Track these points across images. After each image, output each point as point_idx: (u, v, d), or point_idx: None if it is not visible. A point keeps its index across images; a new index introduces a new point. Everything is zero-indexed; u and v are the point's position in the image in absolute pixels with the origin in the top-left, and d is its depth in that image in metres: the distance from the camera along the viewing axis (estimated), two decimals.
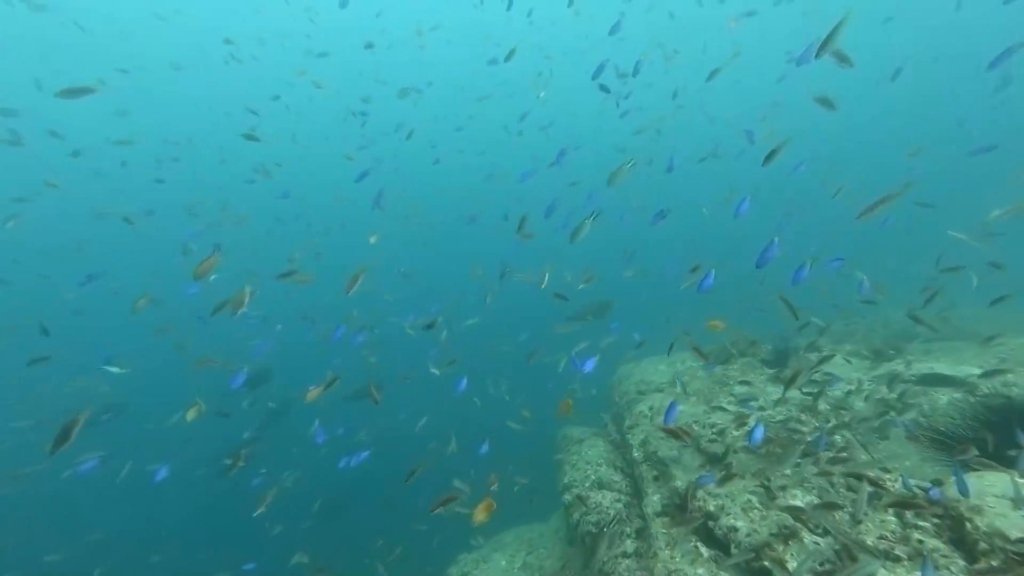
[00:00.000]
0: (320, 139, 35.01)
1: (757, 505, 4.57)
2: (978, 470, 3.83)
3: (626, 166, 5.00)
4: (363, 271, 4.42)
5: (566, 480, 7.09)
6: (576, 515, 6.39)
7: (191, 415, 5.11)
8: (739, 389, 6.92)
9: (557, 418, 8.87)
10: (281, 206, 30.41)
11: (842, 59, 4.38)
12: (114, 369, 6.48)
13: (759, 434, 4.89)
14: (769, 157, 4.70)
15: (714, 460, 5.49)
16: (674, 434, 4.59)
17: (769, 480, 4.84)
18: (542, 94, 13.27)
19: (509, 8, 12.48)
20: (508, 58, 9.30)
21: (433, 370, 8.56)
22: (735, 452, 5.33)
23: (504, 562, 7.59)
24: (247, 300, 4.06)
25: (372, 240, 7.61)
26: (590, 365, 5.19)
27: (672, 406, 4.87)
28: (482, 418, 12.29)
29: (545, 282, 5.77)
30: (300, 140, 33.35)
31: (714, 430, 5.83)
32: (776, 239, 4.27)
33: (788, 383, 4.83)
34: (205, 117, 33.57)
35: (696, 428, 6.08)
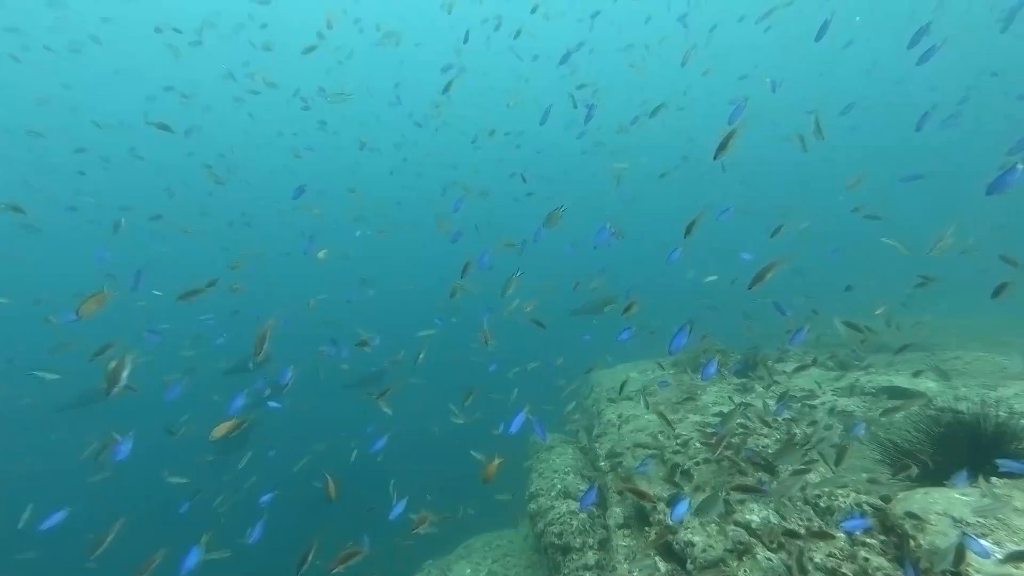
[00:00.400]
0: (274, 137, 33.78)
1: (715, 519, 4.58)
2: (923, 486, 3.89)
3: (559, 210, 5.03)
4: (269, 328, 4.13)
5: (532, 489, 7.04)
6: (540, 525, 6.35)
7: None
8: (706, 399, 6.97)
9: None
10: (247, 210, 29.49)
11: (817, 131, 4.53)
12: (48, 375, 6.19)
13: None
14: (721, 148, 4.52)
15: (676, 470, 5.50)
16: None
17: (728, 493, 4.86)
18: (510, 103, 13.11)
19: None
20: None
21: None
22: (697, 464, 5.35)
23: (469, 570, 7.52)
24: (122, 377, 3.43)
25: (320, 256, 7.47)
26: (516, 423, 5.08)
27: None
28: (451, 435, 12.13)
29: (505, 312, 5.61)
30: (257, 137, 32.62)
31: (679, 441, 5.85)
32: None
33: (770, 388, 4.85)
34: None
35: (661, 439, 6.10)
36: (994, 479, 3.75)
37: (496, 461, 4.14)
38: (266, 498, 5.92)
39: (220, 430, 3.86)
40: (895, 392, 6.03)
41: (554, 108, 10.04)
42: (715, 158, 4.50)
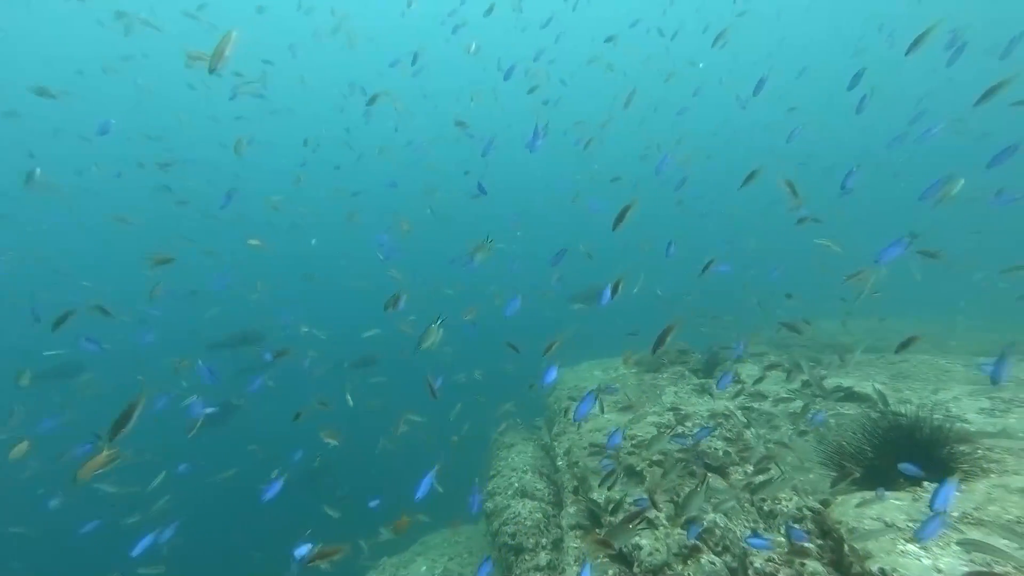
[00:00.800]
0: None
1: (664, 522, 4.60)
2: (863, 489, 3.99)
3: (487, 243, 4.97)
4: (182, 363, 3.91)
5: (490, 487, 7.00)
6: (496, 524, 6.31)
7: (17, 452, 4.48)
8: (665, 399, 7.02)
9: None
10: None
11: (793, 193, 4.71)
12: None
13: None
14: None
15: (631, 473, 5.51)
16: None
17: (679, 496, 4.89)
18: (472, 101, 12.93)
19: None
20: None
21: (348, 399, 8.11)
22: (650, 466, 5.38)
23: (424, 567, 7.45)
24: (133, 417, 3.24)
25: (252, 243, 7.19)
26: (425, 487, 4.98)
27: (586, 400, 4.75)
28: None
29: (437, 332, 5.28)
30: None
31: (634, 442, 5.87)
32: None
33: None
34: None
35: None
36: (925, 483, 3.87)
37: (405, 520, 4.16)
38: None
39: (87, 470, 3.58)
40: (845, 394, 6.19)
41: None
42: (613, 229, 4.86)
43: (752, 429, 5.89)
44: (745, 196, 8.07)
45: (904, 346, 4.87)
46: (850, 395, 6.28)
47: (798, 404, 6.27)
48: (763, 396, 6.74)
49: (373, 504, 6.80)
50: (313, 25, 28.79)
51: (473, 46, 11.31)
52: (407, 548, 8.58)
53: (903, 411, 5.40)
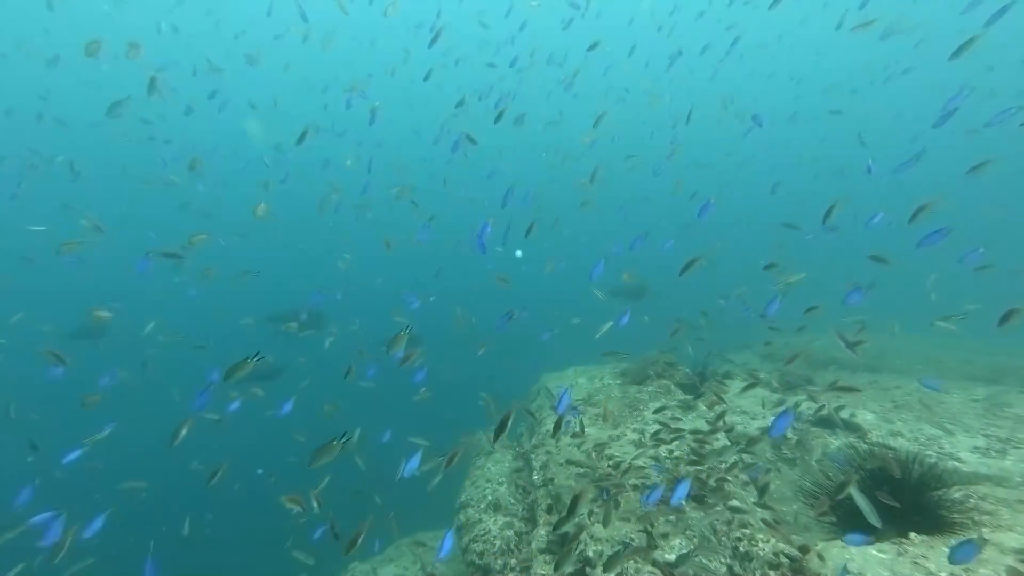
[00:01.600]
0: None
1: (634, 554, 4.36)
2: (843, 532, 3.74)
3: (404, 332, 4.72)
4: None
5: (463, 498, 6.78)
6: (466, 539, 6.09)
7: None
8: (647, 415, 6.78)
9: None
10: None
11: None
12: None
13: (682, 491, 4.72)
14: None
15: (606, 495, 5.28)
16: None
17: (652, 526, 4.66)
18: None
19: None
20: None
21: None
22: (626, 490, 5.13)
23: (394, 575, 7.25)
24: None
25: (194, 241, 6.95)
26: (412, 465, 4.78)
27: (564, 395, 4.50)
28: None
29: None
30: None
31: (611, 462, 5.63)
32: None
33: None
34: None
35: (594, 457, 5.87)
36: (912, 534, 3.62)
37: (364, 528, 3.97)
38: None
39: None
40: (832, 422, 5.93)
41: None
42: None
43: (735, 453, 5.64)
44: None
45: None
46: (838, 423, 6.03)
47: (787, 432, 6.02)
48: (749, 416, 6.49)
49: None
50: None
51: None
52: (381, 552, 8.40)
53: (893, 446, 5.15)
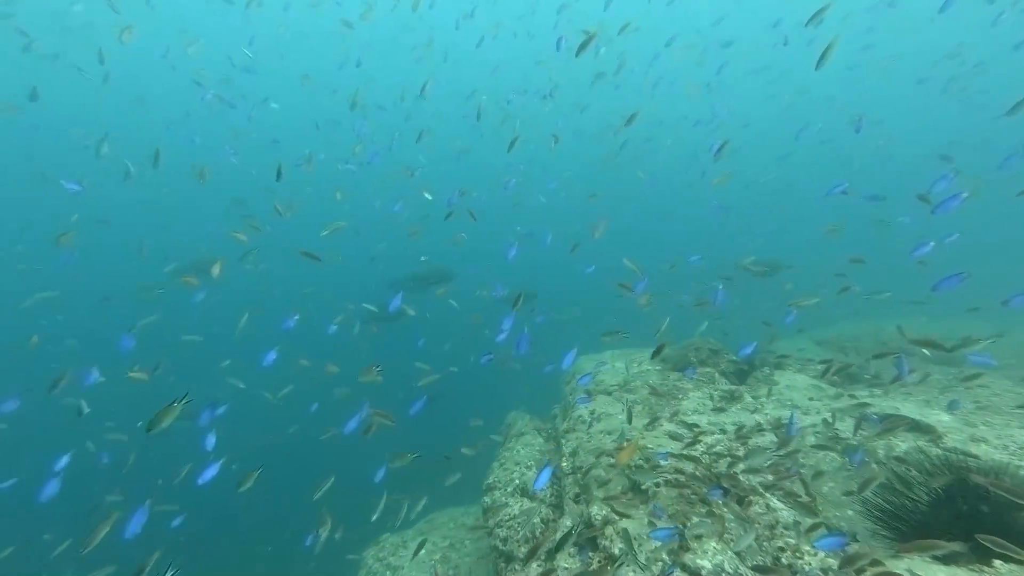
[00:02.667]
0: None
1: (664, 556, 4.05)
2: (907, 553, 3.26)
3: (374, 368, 4.45)
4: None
5: (490, 479, 6.64)
6: (491, 522, 5.96)
7: None
8: (686, 405, 6.33)
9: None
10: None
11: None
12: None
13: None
14: None
15: (636, 491, 4.96)
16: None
17: (685, 525, 4.31)
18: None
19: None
20: None
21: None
22: (658, 485, 4.79)
23: (423, 551, 7.28)
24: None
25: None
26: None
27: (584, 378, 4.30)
28: None
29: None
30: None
31: (643, 454, 5.28)
32: None
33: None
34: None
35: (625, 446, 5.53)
36: (997, 562, 3.09)
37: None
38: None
39: None
40: (899, 422, 5.28)
41: None
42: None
43: (782, 450, 5.14)
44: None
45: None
46: (908, 423, 5.36)
47: (841, 426, 5.43)
48: (801, 411, 5.91)
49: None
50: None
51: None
52: (412, 525, 8.48)
53: (975, 453, 4.50)
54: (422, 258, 15.11)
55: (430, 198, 10.74)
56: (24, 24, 19.17)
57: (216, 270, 7.38)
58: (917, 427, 5.14)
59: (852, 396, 6.15)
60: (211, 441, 4.93)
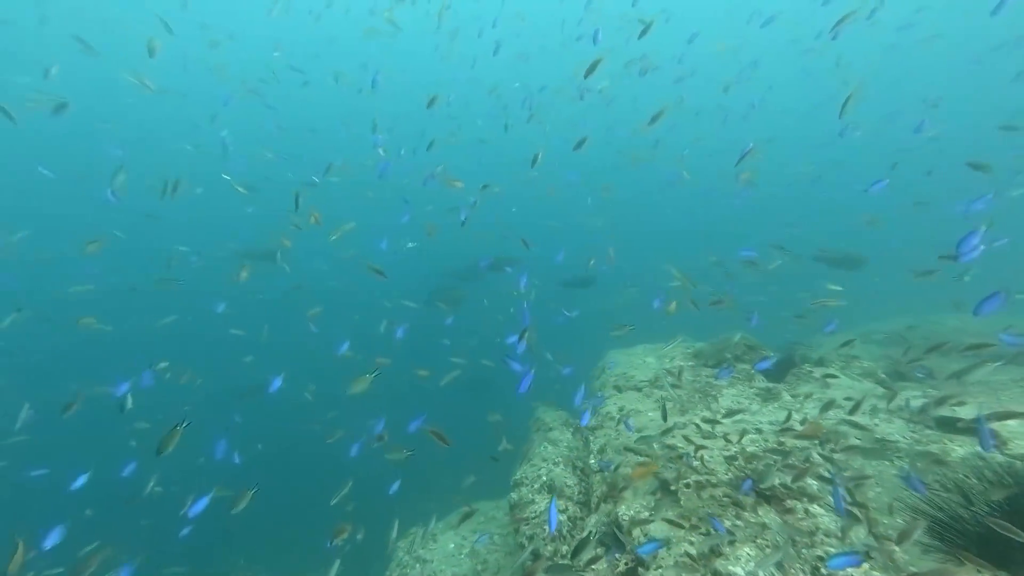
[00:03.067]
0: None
1: (694, 560, 3.89)
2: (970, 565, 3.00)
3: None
4: None
5: (517, 475, 6.60)
6: (517, 519, 5.92)
7: None
8: (721, 403, 6.09)
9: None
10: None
11: None
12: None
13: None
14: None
15: (664, 490, 4.80)
16: None
17: (716, 530, 4.13)
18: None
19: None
20: None
21: None
22: (687, 486, 4.61)
23: (452, 545, 7.33)
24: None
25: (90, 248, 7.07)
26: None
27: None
28: None
29: None
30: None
31: (673, 453, 5.10)
32: None
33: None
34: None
35: (655, 447, 5.37)
36: None
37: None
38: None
39: None
40: (954, 426, 4.91)
41: None
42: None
43: (824, 452, 4.87)
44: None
45: None
46: (962, 428, 4.98)
47: (888, 429, 5.09)
48: (844, 412, 5.58)
49: None
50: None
51: None
52: (442, 518, 8.56)
53: None
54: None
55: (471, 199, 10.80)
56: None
57: (278, 257, 7.66)
58: (976, 431, 4.75)
59: (905, 392, 5.76)
60: (222, 448, 5.18)
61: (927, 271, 5.83)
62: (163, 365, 4.56)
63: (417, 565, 6.86)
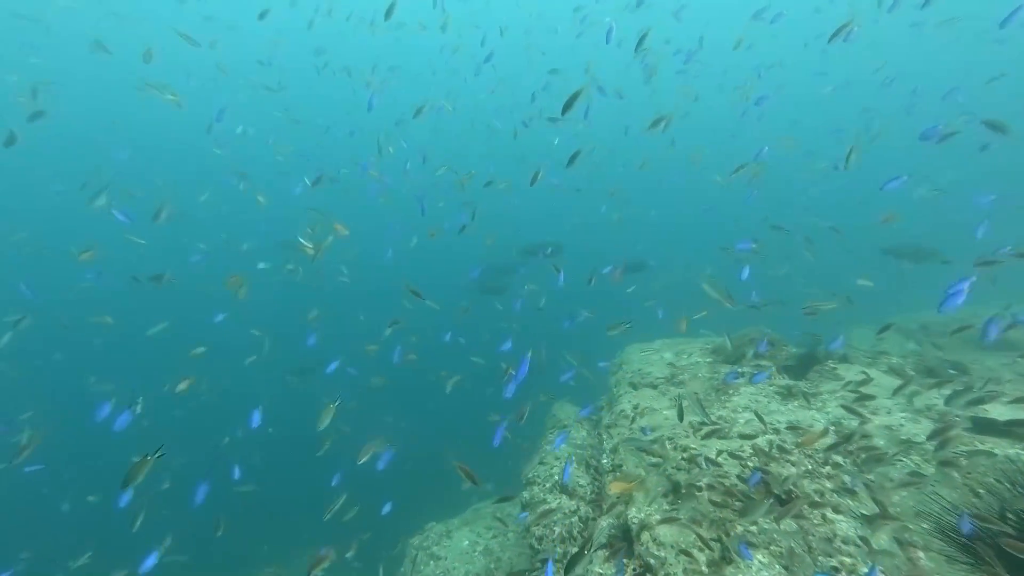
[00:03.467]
0: None
1: (703, 567, 3.78)
2: None
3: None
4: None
5: (530, 474, 6.56)
6: (529, 519, 5.89)
7: None
8: (737, 401, 5.90)
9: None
10: None
11: None
12: None
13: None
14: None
15: (677, 491, 4.68)
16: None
17: (728, 534, 4.00)
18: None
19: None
20: None
21: None
22: (699, 488, 4.48)
23: (467, 542, 7.35)
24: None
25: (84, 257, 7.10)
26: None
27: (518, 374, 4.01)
28: None
29: None
30: None
31: (686, 454, 4.97)
32: None
33: None
34: None
35: (668, 448, 5.24)
36: None
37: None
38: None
39: None
40: (988, 427, 4.63)
41: None
42: None
43: (840, 456, 4.66)
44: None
45: None
46: (997, 428, 4.69)
47: (914, 429, 4.84)
48: (868, 411, 5.33)
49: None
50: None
51: None
52: (457, 514, 8.61)
53: None
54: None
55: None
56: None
57: (320, 250, 7.82)
58: (1012, 433, 4.48)
59: (934, 389, 5.47)
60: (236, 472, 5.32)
61: (988, 260, 5.45)
62: (139, 409, 4.60)
63: (431, 562, 6.91)
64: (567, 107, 5.03)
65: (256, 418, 5.25)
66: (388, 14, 7.92)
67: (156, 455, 3.55)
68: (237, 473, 7.16)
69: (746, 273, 6.99)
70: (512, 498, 7.62)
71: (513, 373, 5.03)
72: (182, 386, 6.30)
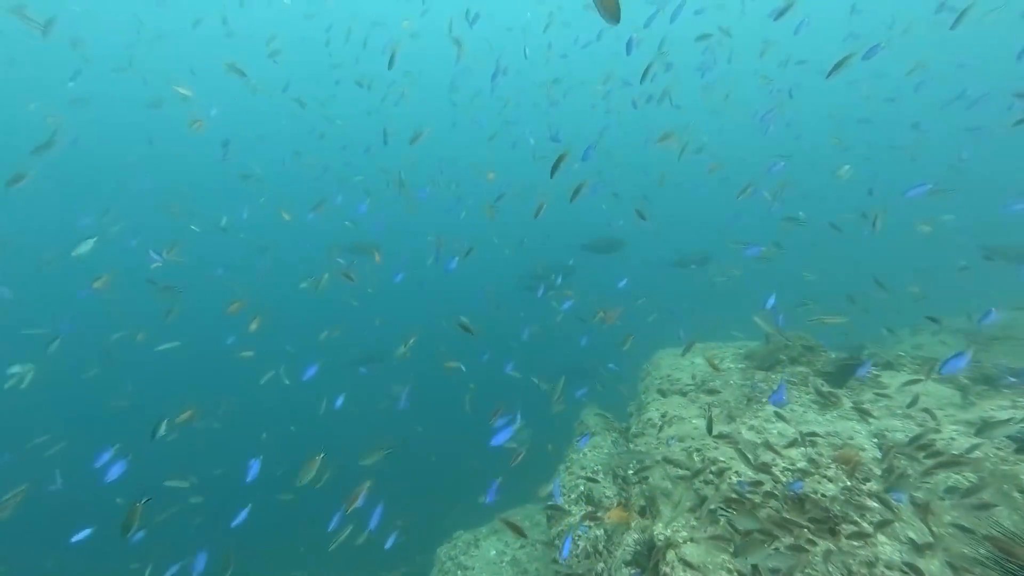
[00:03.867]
0: None
1: None
2: None
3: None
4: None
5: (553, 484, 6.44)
6: (553, 532, 5.79)
7: None
8: (769, 410, 5.63)
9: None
10: None
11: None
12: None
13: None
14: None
15: (704, 506, 4.49)
16: None
17: (759, 562, 3.79)
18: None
19: None
20: None
21: None
22: (729, 504, 4.28)
23: (494, 552, 7.31)
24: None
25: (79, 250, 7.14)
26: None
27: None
28: None
29: None
30: None
31: (714, 468, 4.76)
32: None
33: None
34: None
35: (696, 459, 5.05)
36: None
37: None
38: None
39: None
40: None
41: None
42: None
43: (887, 469, 4.35)
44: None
45: None
46: None
47: (966, 443, 4.47)
48: (915, 423, 4.98)
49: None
50: None
51: None
52: (486, 523, 8.57)
53: None
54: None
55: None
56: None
57: (377, 256, 8.12)
58: None
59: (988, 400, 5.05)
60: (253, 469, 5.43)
61: None
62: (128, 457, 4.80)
63: (459, 572, 6.90)
64: (554, 169, 5.07)
65: (255, 468, 5.32)
66: (391, 63, 7.93)
67: (144, 502, 3.78)
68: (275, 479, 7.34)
69: None
70: (561, 507, 7.54)
71: (500, 416, 5.02)
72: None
